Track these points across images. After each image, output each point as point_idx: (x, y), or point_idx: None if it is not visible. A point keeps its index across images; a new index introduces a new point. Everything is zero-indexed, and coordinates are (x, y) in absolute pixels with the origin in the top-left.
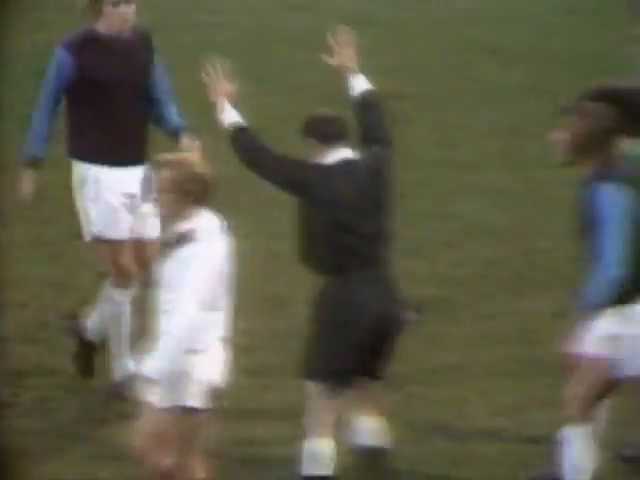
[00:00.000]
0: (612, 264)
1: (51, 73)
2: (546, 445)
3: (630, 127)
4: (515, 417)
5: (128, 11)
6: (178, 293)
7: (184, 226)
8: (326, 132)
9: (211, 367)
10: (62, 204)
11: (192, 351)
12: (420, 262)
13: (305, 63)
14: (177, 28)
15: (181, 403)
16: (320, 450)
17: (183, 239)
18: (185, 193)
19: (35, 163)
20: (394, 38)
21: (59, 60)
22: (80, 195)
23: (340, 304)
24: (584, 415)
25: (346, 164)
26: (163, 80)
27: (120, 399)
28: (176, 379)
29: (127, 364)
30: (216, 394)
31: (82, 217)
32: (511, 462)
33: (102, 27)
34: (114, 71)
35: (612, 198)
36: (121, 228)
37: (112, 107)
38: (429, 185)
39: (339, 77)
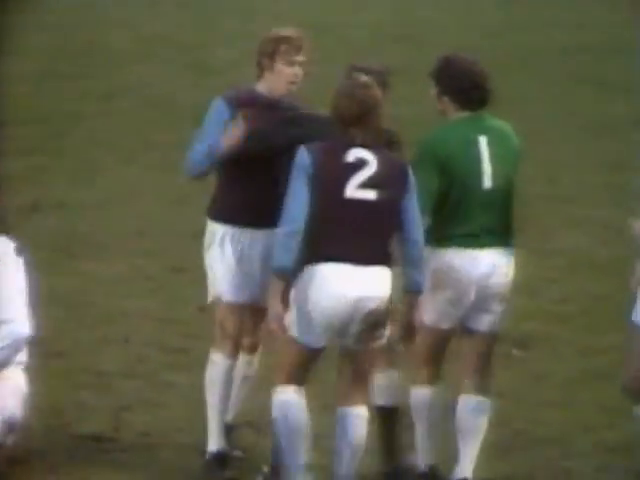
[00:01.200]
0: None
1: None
2: None
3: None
4: (622, 453)
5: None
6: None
7: None
8: None
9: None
10: (163, 238)
11: None
12: (524, 298)
13: None
14: None
15: None
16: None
17: None
18: None
19: None
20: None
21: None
22: (208, 255)
23: None
24: None
25: None
26: None
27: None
28: None
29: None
30: None
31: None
32: None
33: (263, 87)
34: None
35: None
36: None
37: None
38: (533, 220)
39: None
